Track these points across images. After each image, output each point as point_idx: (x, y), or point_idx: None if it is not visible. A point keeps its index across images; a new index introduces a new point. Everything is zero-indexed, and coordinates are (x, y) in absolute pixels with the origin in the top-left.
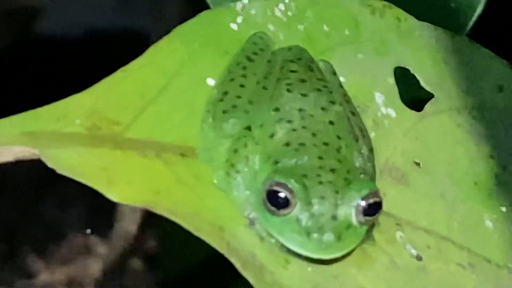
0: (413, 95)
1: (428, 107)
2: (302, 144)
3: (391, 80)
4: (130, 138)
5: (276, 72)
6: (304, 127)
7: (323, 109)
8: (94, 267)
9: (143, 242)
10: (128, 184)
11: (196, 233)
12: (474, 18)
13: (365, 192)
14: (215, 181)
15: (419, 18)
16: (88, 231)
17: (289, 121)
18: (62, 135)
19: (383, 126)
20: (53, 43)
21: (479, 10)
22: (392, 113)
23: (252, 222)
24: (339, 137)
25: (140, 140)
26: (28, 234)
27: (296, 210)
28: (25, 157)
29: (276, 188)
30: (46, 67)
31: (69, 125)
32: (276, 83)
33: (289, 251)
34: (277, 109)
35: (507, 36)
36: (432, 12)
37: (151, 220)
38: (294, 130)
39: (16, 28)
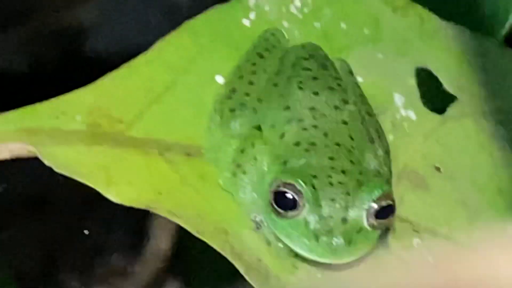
0: (434, 97)
1: (450, 110)
2: (312, 144)
3: (412, 81)
4: (132, 136)
5: (288, 69)
6: (315, 127)
7: (336, 108)
8: None
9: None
10: (128, 184)
11: (199, 236)
12: (508, 25)
13: (377, 194)
14: (220, 182)
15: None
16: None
17: (300, 120)
18: (61, 132)
19: (402, 129)
20: (100, 62)
21: None
22: (412, 115)
23: (258, 225)
24: (352, 138)
25: (143, 138)
26: (67, 255)
27: (305, 212)
28: (21, 155)
29: (283, 188)
30: None
31: (68, 122)
32: (287, 81)
33: (297, 256)
34: (287, 108)
35: None
36: (464, 18)
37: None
38: (305, 129)
39: (63, 47)
